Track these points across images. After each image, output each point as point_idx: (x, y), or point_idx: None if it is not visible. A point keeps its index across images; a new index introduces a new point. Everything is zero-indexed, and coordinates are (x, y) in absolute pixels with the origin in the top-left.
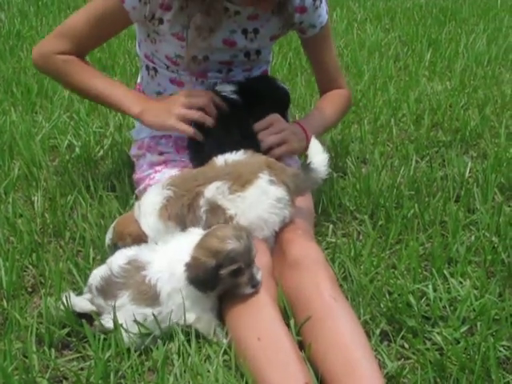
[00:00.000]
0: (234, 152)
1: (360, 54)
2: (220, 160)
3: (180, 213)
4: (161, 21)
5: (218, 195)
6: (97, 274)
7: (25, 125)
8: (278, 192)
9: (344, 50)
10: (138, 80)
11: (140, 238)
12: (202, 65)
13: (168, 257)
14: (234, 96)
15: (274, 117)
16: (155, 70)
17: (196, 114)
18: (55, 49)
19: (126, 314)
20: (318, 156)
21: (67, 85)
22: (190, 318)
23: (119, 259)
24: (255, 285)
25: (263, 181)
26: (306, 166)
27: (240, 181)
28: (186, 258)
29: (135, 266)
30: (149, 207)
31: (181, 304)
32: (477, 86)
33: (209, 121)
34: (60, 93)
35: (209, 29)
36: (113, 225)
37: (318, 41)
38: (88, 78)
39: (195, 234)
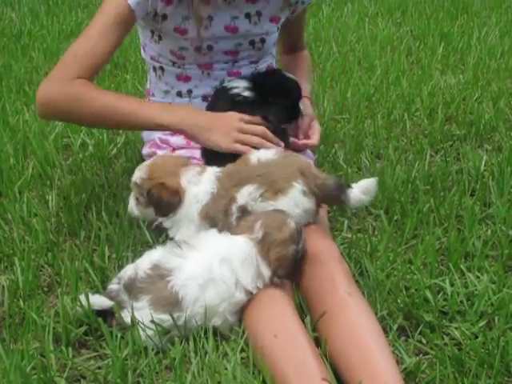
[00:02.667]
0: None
1: (372, 49)
2: (253, 157)
3: (215, 216)
4: (164, 16)
5: (250, 201)
6: (127, 270)
7: (38, 124)
8: (308, 204)
9: (356, 45)
10: (147, 85)
11: (176, 194)
12: (207, 55)
13: (203, 263)
14: (246, 93)
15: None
16: (162, 68)
17: (256, 140)
18: (69, 76)
19: (144, 316)
20: (365, 190)
21: (85, 115)
22: (217, 321)
23: (145, 263)
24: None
25: (296, 191)
26: (343, 185)
27: (273, 188)
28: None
29: (159, 273)
30: (199, 195)
31: (209, 308)
32: (490, 79)
33: (267, 146)
34: None
35: (209, 17)
36: (146, 163)
37: (299, 14)
38: (115, 99)
39: (226, 240)
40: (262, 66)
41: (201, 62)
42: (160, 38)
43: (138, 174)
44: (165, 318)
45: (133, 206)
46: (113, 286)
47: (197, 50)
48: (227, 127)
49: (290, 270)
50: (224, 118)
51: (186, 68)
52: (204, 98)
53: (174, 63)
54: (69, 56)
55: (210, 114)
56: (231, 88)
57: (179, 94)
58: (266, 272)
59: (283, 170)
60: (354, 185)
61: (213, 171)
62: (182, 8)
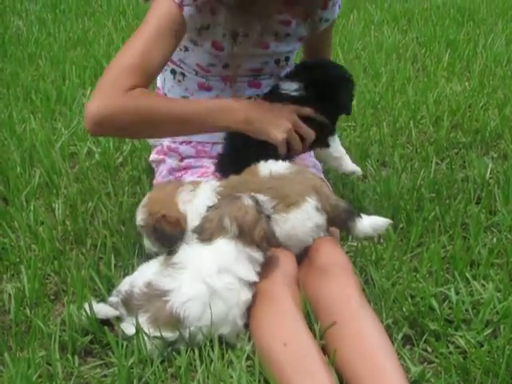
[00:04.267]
0: (278, 162)
1: (377, 56)
2: (264, 170)
3: None
4: (207, 27)
5: None
6: (126, 284)
7: (44, 132)
8: (320, 219)
9: (361, 53)
10: (158, 83)
11: (177, 224)
12: (233, 71)
13: (201, 281)
14: (295, 93)
15: None
16: (183, 74)
17: (298, 142)
18: (125, 87)
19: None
20: (374, 226)
21: (150, 126)
22: (226, 329)
23: (140, 280)
24: None
25: (310, 205)
26: (354, 213)
27: (286, 201)
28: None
29: (154, 293)
30: (199, 207)
31: (218, 319)
32: (496, 86)
33: (298, 151)
34: (79, 100)
35: (244, 34)
36: (143, 204)
37: (324, 32)
38: (180, 106)
39: (208, 252)
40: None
41: (224, 76)
42: (187, 49)
43: (139, 217)
44: (166, 335)
45: (149, 246)
46: (112, 298)
47: (224, 68)
48: (279, 118)
49: (274, 235)
50: (276, 108)
51: (209, 79)
52: None
53: (197, 73)
54: (119, 67)
55: (269, 108)
56: (282, 90)
57: None
58: (258, 254)
59: (296, 185)
60: (364, 216)
61: (209, 185)
62: (221, 22)
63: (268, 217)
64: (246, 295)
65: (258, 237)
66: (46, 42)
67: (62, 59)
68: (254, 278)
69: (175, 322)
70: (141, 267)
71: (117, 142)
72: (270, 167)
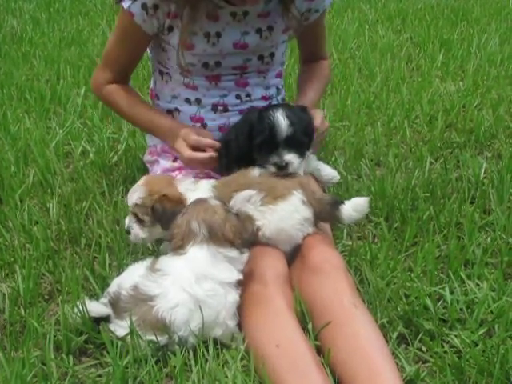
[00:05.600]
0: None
1: (372, 56)
2: (254, 171)
3: None
4: (170, 28)
5: (250, 205)
6: (114, 285)
7: (39, 132)
8: (307, 212)
9: (356, 52)
10: (151, 85)
11: (180, 202)
12: (214, 70)
13: (182, 285)
14: None
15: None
16: (169, 75)
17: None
18: (102, 79)
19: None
20: (356, 207)
21: (119, 116)
22: (218, 331)
23: (127, 283)
24: None
25: (296, 198)
26: (337, 201)
27: (273, 193)
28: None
29: (140, 297)
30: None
31: (208, 323)
32: (490, 86)
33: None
34: (73, 99)
35: (216, 34)
36: (140, 184)
37: (315, 21)
38: (130, 107)
39: (184, 261)
40: (271, 75)
41: (208, 75)
42: (167, 50)
43: (136, 195)
44: (155, 338)
45: (137, 231)
46: (103, 299)
47: (204, 66)
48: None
49: (247, 230)
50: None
51: (193, 78)
52: (214, 106)
53: (181, 73)
54: (102, 59)
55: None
56: None
57: (187, 101)
58: (235, 253)
59: (283, 181)
60: (346, 201)
61: (208, 181)
62: (189, 24)
63: (237, 215)
64: (232, 297)
65: (230, 234)
66: (40, 41)
67: (56, 58)
68: (236, 277)
69: (162, 326)
70: (128, 269)
71: (111, 141)
72: (259, 170)
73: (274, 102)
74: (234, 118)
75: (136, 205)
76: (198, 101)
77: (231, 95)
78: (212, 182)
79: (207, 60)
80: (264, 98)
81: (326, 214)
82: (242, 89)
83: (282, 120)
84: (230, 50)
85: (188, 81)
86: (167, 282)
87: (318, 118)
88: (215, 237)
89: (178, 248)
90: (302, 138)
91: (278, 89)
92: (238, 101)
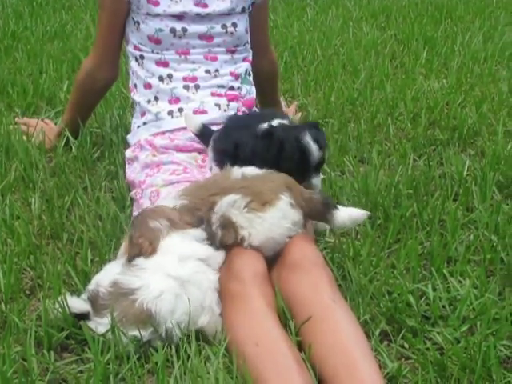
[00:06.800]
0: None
1: (356, 53)
2: (236, 171)
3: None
4: None
5: (234, 210)
6: (92, 283)
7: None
8: (296, 216)
9: (340, 49)
10: (130, 83)
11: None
12: (182, 39)
13: (164, 276)
14: None
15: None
16: (142, 56)
17: None
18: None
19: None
20: (351, 218)
21: None
22: (205, 319)
23: (105, 280)
24: None
25: (284, 203)
26: (330, 204)
27: (260, 199)
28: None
29: (120, 291)
30: None
31: (196, 308)
32: (473, 84)
33: None
34: (56, 93)
35: None
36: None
37: (263, 7)
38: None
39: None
40: (239, 58)
41: (177, 48)
42: (139, 24)
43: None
44: (137, 334)
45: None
46: (84, 296)
47: (172, 32)
48: None
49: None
50: None
51: (164, 53)
52: (184, 79)
53: (152, 50)
54: None
55: None
56: None
57: (161, 79)
58: (198, 231)
59: (269, 183)
60: (341, 208)
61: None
62: None
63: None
64: (213, 275)
65: (185, 217)
66: (22, 34)
67: (39, 52)
68: (210, 251)
69: (145, 318)
70: (106, 266)
71: (94, 136)
72: (241, 170)
73: (244, 87)
74: (207, 100)
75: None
76: (170, 76)
77: (201, 69)
78: (176, 193)
79: (174, 25)
80: (232, 75)
81: (316, 213)
82: (211, 62)
83: (312, 145)
84: (192, 8)
85: (159, 57)
86: (147, 273)
87: (292, 108)
88: (175, 224)
89: (152, 253)
90: (325, 158)
91: (246, 71)
92: (207, 75)
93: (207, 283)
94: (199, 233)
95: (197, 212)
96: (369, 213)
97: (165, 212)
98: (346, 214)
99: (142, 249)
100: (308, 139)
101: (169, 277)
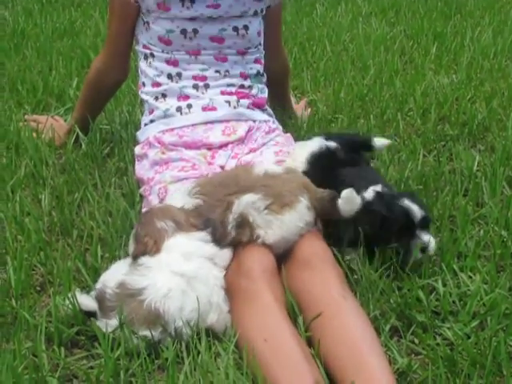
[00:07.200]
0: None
1: (365, 49)
2: (259, 169)
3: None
4: None
5: (253, 211)
6: (100, 282)
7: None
8: (310, 217)
9: (349, 45)
10: (139, 81)
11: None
12: (193, 40)
13: (173, 271)
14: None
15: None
16: (152, 55)
17: None
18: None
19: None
20: (344, 201)
21: None
22: (214, 316)
23: (111, 281)
24: None
25: (303, 206)
26: (335, 197)
27: (280, 201)
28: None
29: (127, 292)
30: None
31: (204, 304)
32: (483, 79)
33: None
34: (66, 90)
35: None
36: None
37: (277, 10)
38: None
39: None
40: (250, 60)
41: (188, 49)
42: (149, 24)
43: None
44: (148, 334)
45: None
46: (92, 294)
47: (182, 33)
48: None
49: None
50: None
51: (174, 53)
52: (194, 78)
53: (163, 50)
54: None
55: None
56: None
57: (169, 77)
58: (202, 234)
59: (289, 184)
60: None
61: (182, 191)
62: None
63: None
64: (218, 271)
65: (191, 219)
66: (32, 32)
67: (48, 50)
68: (215, 250)
69: (154, 319)
70: (113, 265)
71: (104, 133)
72: (264, 167)
73: (255, 86)
74: (216, 98)
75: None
76: (179, 75)
77: (211, 70)
78: (188, 186)
79: (185, 27)
80: (243, 76)
81: (326, 211)
82: (221, 63)
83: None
84: (204, 11)
85: (169, 56)
86: (154, 272)
87: (302, 104)
88: (181, 225)
89: (156, 253)
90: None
91: (258, 72)
92: (217, 74)
93: (213, 279)
94: (204, 235)
95: (209, 213)
96: (349, 189)
97: (171, 212)
98: (341, 200)
99: (147, 247)
100: (408, 202)
101: (175, 274)
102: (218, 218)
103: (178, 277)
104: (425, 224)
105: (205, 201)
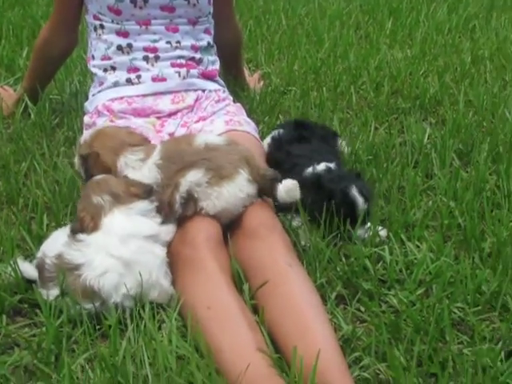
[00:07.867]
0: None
1: (321, 23)
2: (200, 141)
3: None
4: None
5: (197, 187)
6: (40, 251)
7: None
8: (251, 189)
9: (305, 19)
10: (88, 53)
11: (107, 170)
12: (143, 10)
13: (107, 251)
14: None
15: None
16: (102, 26)
17: None
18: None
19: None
20: (285, 190)
21: None
22: (154, 293)
23: (51, 251)
24: None
25: (242, 178)
26: (276, 180)
27: (220, 174)
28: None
29: (66, 266)
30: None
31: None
32: (437, 54)
33: None
34: (16, 60)
35: None
36: (97, 129)
37: None
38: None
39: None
40: (201, 28)
41: (138, 19)
42: None
43: (84, 136)
44: (85, 306)
45: (76, 161)
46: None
47: (132, 2)
48: None
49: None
50: None
51: (124, 24)
52: (145, 49)
53: (112, 20)
54: None
55: None
56: None
57: (119, 48)
58: (145, 203)
59: (230, 156)
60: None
61: (153, 159)
62: None
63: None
64: (159, 249)
65: (130, 189)
66: None
67: None
68: (156, 227)
69: (91, 294)
70: (53, 234)
71: (54, 103)
72: (205, 138)
73: (205, 58)
74: (166, 70)
75: (79, 142)
76: (130, 46)
77: (162, 41)
78: (156, 158)
79: None
80: (193, 48)
81: (266, 189)
82: (172, 34)
83: (359, 199)
84: None
85: (119, 27)
86: (91, 250)
87: (256, 77)
88: (119, 198)
89: (93, 229)
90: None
91: (208, 44)
92: (168, 46)
93: (153, 260)
94: (145, 205)
95: (161, 194)
96: (294, 181)
97: (109, 185)
98: (282, 188)
99: (84, 223)
100: (355, 192)
101: (112, 257)
102: (165, 199)
103: (115, 260)
104: (364, 219)
105: (162, 178)
